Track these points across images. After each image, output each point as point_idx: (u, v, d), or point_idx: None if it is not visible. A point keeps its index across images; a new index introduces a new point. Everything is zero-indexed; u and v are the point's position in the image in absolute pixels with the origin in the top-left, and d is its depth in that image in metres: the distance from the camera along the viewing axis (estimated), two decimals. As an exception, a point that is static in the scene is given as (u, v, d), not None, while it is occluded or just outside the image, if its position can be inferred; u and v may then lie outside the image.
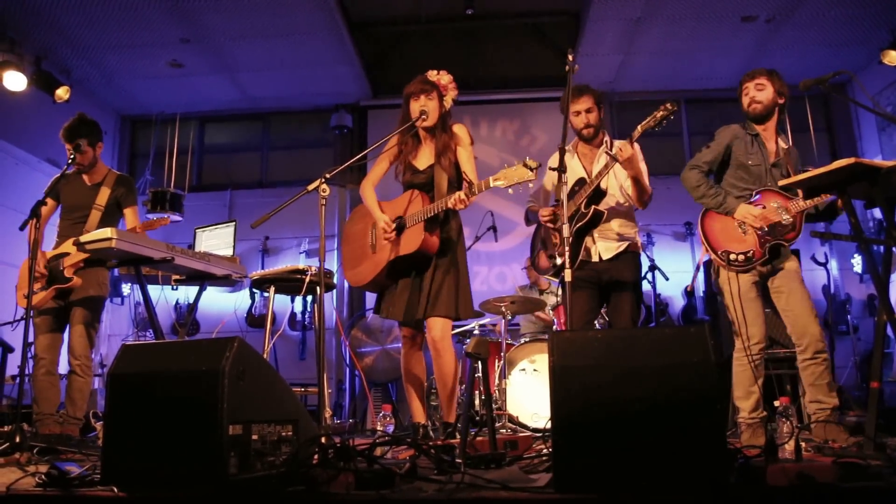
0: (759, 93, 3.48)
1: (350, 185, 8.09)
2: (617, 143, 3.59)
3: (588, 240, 3.61)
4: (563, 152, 2.96)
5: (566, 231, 2.85)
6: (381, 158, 3.65)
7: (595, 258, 3.62)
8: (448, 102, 3.55)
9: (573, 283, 2.90)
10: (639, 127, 3.40)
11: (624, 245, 3.64)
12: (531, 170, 2.99)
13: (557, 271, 3.64)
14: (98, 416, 4.34)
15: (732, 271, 3.41)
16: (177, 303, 7.44)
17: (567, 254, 2.84)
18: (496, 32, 7.93)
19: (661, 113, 3.34)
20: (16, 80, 6.04)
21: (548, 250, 3.79)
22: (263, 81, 7.75)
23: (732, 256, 3.41)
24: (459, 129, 3.54)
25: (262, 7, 6.18)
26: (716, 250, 3.47)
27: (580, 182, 3.62)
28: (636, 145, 3.45)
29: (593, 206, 3.51)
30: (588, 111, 3.65)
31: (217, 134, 8.85)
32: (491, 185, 3.14)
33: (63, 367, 4.10)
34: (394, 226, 3.40)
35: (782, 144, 3.54)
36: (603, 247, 3.62)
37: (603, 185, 3.53)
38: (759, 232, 3.37)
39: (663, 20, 6.56)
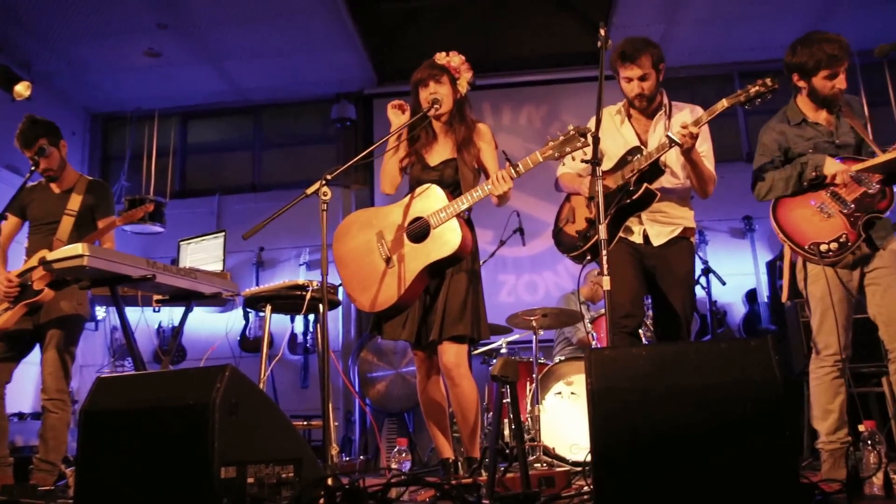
0: (844, 79, 3.31)
1: (355, 185, 8.12)
2: (680, 121, 3.35)
3: (632, 220, 3.42)
4: (596, 141, 2.94)
5: (602, 233, 2.82)
6: (388, 156, 3.64)
7: (638, 239, 3.43)
8: (463, 87, 3.53)
9: (611, 258, 2.84)
10: (724, 101, 3.15)
11: (678, 229, 3.45)
12: (583, 136, 2.99)
13: (580, 256, 3.52)
14: (69, 462, 4.33)
15: (826, 264, 3.25)
16: (159, 326, 7.50)
17: (604, 237, 2.80)
18: (518, 6, 7.91)
19: (756, 88, 3.10)
20: (-35, 77, 6.13)
21: (576, 224, 3.61)
22: (253, 70, 7.81)
23: (824, 247, 3.22)
24: (485, 127, 3.57)
25: (249, -15, 6.26)
26: (801, 245, 3.28)
27: (634, 151, 3.38)
28: (705, 126, 3.26)
29: (645, 185, 3.30)
30: (642, 78, 3.35)
31: (202, 132, 8.94)
32: (540, 160, 3.15)
33: (11, 401, 4.11)
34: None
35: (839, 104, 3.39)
36: (653, 231, 3.43)
37: (661, 159, 3.33)
38: (845, 210, 3.23)
39: (711, -18, 6.52)
